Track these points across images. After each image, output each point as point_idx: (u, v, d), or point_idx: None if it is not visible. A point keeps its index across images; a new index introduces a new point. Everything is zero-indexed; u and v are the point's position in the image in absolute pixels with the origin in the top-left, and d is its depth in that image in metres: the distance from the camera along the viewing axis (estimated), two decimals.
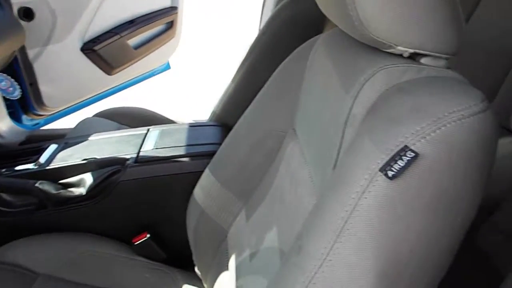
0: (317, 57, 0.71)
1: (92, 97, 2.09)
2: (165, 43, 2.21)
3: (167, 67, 2.33)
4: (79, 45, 1.87)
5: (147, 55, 2.14)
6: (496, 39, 1.19)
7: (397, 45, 0.51)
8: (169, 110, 1.75)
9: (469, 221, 0.46)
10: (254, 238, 0.78)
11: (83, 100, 2.07)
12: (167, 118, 1.55)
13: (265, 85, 0.87)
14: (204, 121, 1.34)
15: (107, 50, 1.95)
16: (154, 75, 2.31)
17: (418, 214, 0.43)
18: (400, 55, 0.53)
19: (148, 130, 1.22)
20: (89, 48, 1.91)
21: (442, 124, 0.43)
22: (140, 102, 2.14)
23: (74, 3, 1.80)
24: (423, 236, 0.43)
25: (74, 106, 2.06)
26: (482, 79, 1.38)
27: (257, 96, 0.88)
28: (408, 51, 0.52)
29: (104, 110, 1.57)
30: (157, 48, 2.18)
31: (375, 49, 0.55)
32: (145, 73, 2.26)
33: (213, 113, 1.30)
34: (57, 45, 1.83)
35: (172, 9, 2.16)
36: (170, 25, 2.22)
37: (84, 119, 1.54)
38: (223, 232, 0.89)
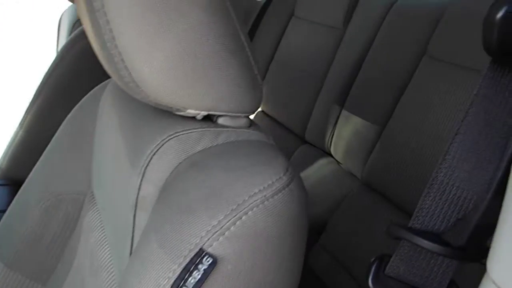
0: (106, 108, 0.58)
1: None
2: None
3: None
4: None
5: None
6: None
7: (186, 108, 0.42)
8: None
9: None
10: None
11: None
12: None
13: (56, 133, 0.70)
14: None
15: None
16: None
17: None
18: (194, 117, 0.44)
19: None
20: None
21: (243, 212, 0.35)
22: None
23: None
24: None
25: None
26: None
27: (48, 147, 0.71)
28: (200, 113, 0.43)
29: None
30: None
31: (165, 110, 0.45)
32: None
33: None
34: None
35: None
36: None
37: None
38: None
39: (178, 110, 0.42)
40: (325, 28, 1.38)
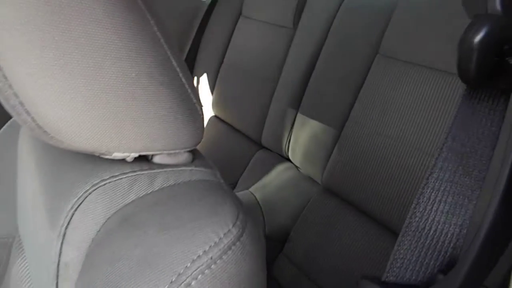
0: (24, 144, 0.49)
1: None
2: None
3: None
4: None
5: None
6: None
7: (111, 152, 0.35)
8: None
9: None
10: None
11: None
12: None
13: None
14: None
15: None
16: None
17: None
18: (124, 159, 0.37)
19: None
20: None
21: (184, 284, 0.28)
22: None
23: None
24: None
25: None
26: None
27: None
28: (130, 155, 0.36)
29: None
30: None
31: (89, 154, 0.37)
32: None
33: None
34: None
35: None
36: None
37: None
38: None
39: (102, 154, 0.34)
40: (274, 27, 1.33)
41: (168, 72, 0.34)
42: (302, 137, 1.15)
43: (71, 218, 0.34)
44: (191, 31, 1.71)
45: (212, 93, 1.57)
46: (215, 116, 1.59)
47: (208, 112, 1.62)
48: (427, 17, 0.91)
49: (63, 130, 0.31)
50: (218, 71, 1.54)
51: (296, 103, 1.19)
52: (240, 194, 1.23)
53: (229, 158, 1.44)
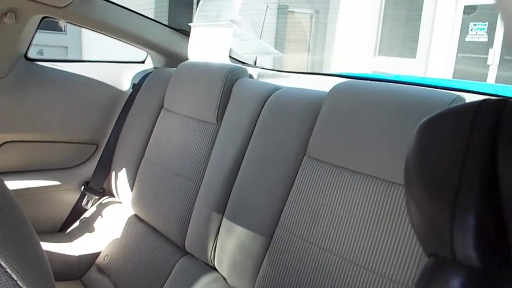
0: None
1: None
2: None
3: None
4: None
5: None
6: None
7: None
8: None
9: None
10: None
11: None
12: None
13: None
14: None
15: None
16: None
17: None
18: None
19: None
20: None
21: None
22: None
23: None
24: None
25: None
26: None
27: None
28: None
29: None
30: None
31: None
32: None
33: None
34: None
35: None
36: None
37: None
38: None
39: None
40: (197, 122, 1.26)
41: None
42: (229, 245, 1.03)
43: None
44: (110, 122, 1.59)
45: (131, 189, 1.42)
46: (135, 215, 1.43)
47: (127, 210, 1.46)
48: (349, 119, 0.88)
49: None
50: (138, 166, 1.41)
51: (221, 207, 1.08)
52: None
53: (150, 263, 1.26)
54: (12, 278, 0.31)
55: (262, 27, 2.31)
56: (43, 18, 1.38)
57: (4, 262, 0.31)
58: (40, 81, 1.47)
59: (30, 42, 1.43)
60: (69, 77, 1.53)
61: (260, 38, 2.00)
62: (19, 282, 0.32)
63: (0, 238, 0.32)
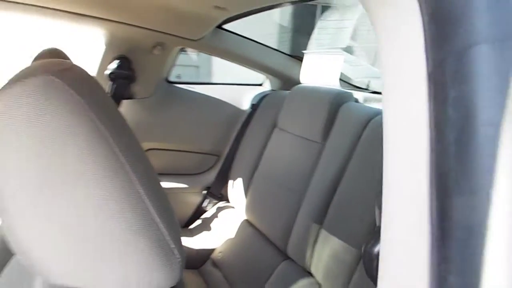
0: None
1: None
2: None
3: None
4: None
5: None
6: None
7: None
8: None
9: None
10: None
11: None
12: None
13: None
14: None
15: None
16: None
17: None
18: None
19: None
20: None
21: None
22: None
23: None
24: None
25: None
26: None
27: None
28: None
29: None
30: None
31: None
32: None
33: None
34: None
35: None
36: None
37: None
38: None
39: None
40: (305, 141, 1.40)
41: (145, 220, 0.39)
42: (324, 254, 1.14)
43: None
44: (231, 136, 1.83)
45: (245, 197, 1.62)
46: (246, 220, 1.62)
47: (240, 215, 1.66)
48: None
49: (46, 267, 0.35)
50: (252, 178, 1.60)
51: (320, 219, 1.19)
52: None
53: (256, 263, 1.43)
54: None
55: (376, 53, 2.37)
56: (181, 48, 1.67)
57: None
58: (177, 100, 1.77)
59: (170, 68, 1.74)
60: (199, 97, 1.81)
61: (373, 63, 2.07)
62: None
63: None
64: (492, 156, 0.28)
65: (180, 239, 0.44)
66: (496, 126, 0.27)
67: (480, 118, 0.28)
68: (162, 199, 0.42)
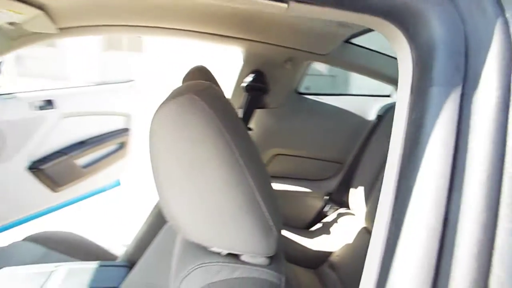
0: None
1: (36, 212, 2.07)
2: (115, 163, 2.27)
3: (117, 183, 2.36)
4: (26, 164, 1.91)
5: (96, 173, 2.19)
6: None
7: (211, 246, 0.54)
8: (100, 234, 1.71)
9: None
10: None
11: (25, 216, 2.04)
12: (95, 244, 1.52)
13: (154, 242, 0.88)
14: (115, 261, 1.32)
15: (54, 169, 1.99)
16: (104, 191, 2.32)
17: None
18: (219, 253, 0.56)
19: (55, 267, 1.18)
20: (36, 167, 1.94)
21: None
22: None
23: (24, 125, 1.87)
24: None
25: (15, 221, 2.02)
26: None
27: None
28: (223, 251, 0.54)
29: (33, 234, 1.53)
30: (107, 167, 2.23)
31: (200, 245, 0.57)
32: (94, 190, 2.27)
33: (126, 251, 1.28)
34: (4, 164, 1.86)
35: (124, 131, 2.27)
36: (122, 146, 2.31)
37: (12, 243, 1.50)
38: None
39: (207, 246, 0.54)
40: None
41: (251, 201, 0.52)
42: None
43: (181, 282, 0.54)
44: (354, 145, 1.89)
45: (366, 205, 1.66)
46: (365, 228, 1.66)
47: (359, 223, 1.70)
48: None
49: (188, 227, 0.52)
50: (373, 187, 1.64)
51: None
52: None
53: None
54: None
55: None
56: (310, 62, 1.80)
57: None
58: (305, 110, 1.91)
59: (300, 81, 1.88)
60: (326, 107, 1.91)
61: None
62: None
63: None
64: (430, 158, 0.44)
65: (279, 220, 0.56)
66: (436, 137, 0.44)
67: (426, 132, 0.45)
68: (267, 190, 0.55)
